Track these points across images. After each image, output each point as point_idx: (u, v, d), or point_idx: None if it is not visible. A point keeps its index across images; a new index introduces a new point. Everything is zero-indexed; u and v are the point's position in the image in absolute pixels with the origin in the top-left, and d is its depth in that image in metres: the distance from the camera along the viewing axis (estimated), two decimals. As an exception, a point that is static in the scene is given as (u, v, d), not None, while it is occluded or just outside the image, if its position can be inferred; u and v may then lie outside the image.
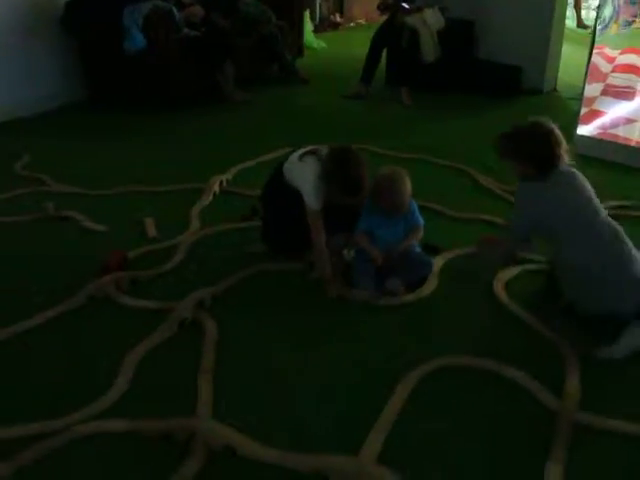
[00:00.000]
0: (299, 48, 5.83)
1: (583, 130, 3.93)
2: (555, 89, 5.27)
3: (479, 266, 2.62)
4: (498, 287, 2.51)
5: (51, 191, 3.28)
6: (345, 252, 2.66)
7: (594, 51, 3.96)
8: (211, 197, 3.21)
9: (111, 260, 2.51)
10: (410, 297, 2.45)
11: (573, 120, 3.99)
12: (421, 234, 2.54)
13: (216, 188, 3.27)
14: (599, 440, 1.80)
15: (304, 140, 3.90)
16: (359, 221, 2.50)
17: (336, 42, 6.94)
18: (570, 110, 4.58)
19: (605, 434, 1.81)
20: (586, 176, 2.33)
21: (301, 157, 2.48)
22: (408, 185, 2.43)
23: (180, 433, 1.72)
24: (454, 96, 5.02)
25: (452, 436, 1.81)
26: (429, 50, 4.80)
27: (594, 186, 2.31)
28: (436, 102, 4.92)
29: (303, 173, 2.43)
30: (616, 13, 3.95)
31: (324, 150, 2.45)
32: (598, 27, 3.99)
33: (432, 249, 2.70)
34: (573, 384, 1.97)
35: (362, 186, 2.34)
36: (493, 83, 5.04)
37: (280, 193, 2.54)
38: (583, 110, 3.97)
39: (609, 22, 4.00)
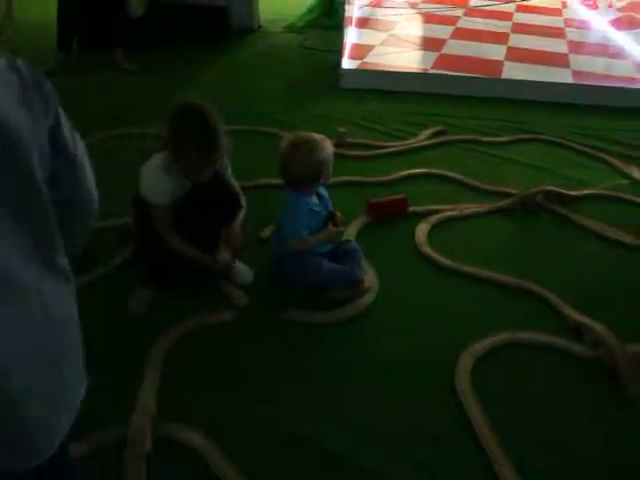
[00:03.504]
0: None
1: (346, 64, 3.83)
2: (260, 26, 5.06)
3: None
4: (427, 250, 2.30)
5: None
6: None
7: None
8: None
9: None
10: (375, 287, 2.11)
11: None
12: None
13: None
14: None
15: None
16: (292, 229, 1.98)
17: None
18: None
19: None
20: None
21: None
22: None
23: None
24: (171, 51, 4.35)
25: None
26: (138, 1, 4.03)
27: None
28: (158, 61, 4.20)
29: (145, 170, 1.91)
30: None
31: None
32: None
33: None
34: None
35: (219, 137, 1.83)
36: (207, 28, 4.56)
37: (142, 209, 1.95)
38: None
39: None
